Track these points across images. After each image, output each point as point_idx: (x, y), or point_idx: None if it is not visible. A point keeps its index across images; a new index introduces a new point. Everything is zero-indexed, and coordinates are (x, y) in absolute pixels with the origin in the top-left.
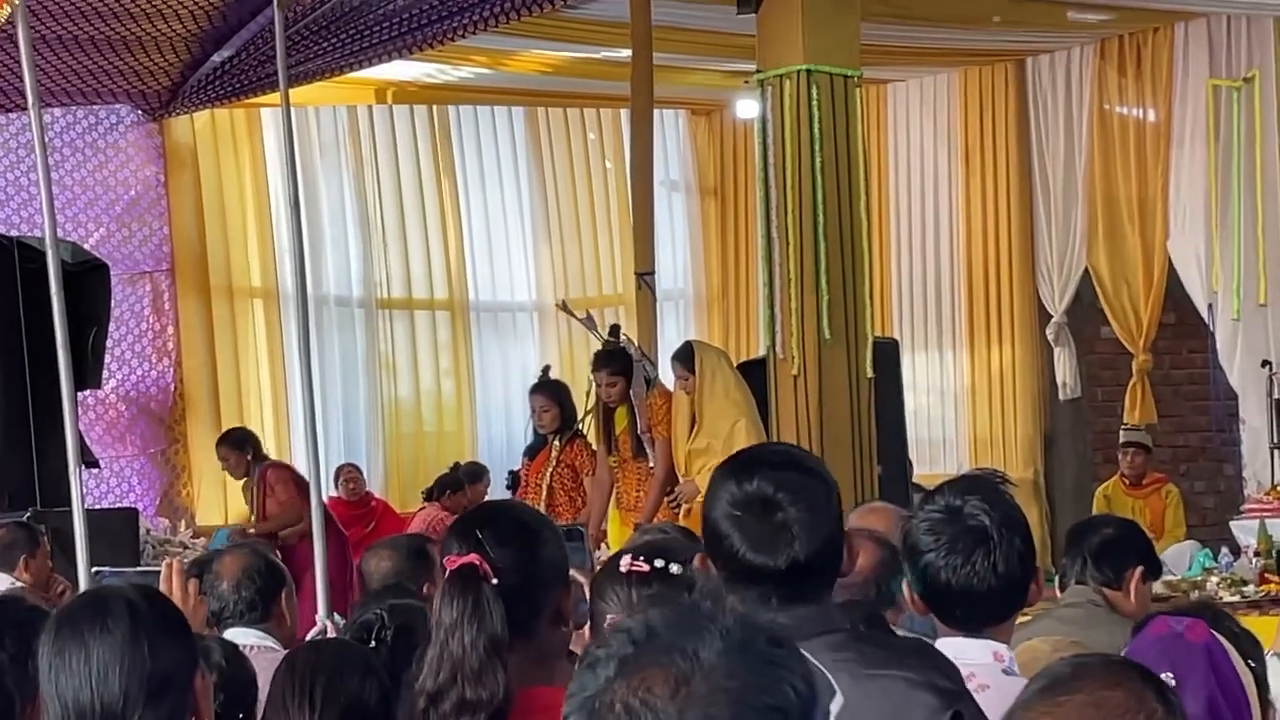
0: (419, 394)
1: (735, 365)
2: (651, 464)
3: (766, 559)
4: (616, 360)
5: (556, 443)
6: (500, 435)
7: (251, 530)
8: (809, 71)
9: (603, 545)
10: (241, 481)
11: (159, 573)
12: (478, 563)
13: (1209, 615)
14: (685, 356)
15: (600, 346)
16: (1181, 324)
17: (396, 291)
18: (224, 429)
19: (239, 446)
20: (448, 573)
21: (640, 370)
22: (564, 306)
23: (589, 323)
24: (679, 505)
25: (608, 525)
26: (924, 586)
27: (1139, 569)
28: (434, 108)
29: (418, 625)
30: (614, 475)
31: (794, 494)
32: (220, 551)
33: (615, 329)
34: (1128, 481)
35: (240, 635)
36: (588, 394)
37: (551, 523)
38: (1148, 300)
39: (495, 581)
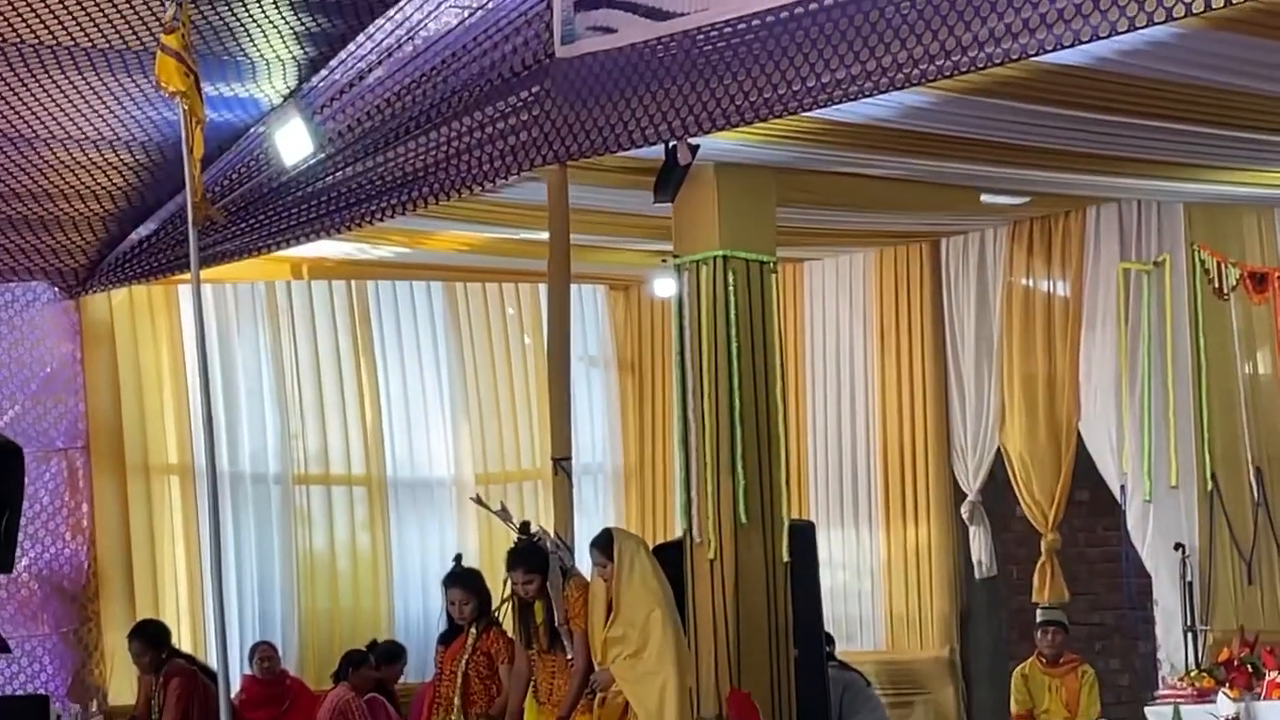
0: (335, 570)
1: (654, 547)
2: (569, 655)
3: None
4: (531, 558)
5: (473, 630)
6: (418, 612)
7: None
8: (725, 257)
9: None
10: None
11: None
12: None
13: None
14: (604, 544)
15: (515, 535)
16: (1095, 502)
17: (314, 467)
18: (138, 606)
19: (154, 645)
20: None
21: (556, 562)
22: (479, 500)
23: (504, 515)
24: (594, 694)
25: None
26: None
27: None
28: (351, 283)
29: None
30: (532, 667)
31: None
32: None
33: (525, 525)
34: (1045, 660)
35: None
36: (505, 582)
37: None
38: (1057, 480)
39: None
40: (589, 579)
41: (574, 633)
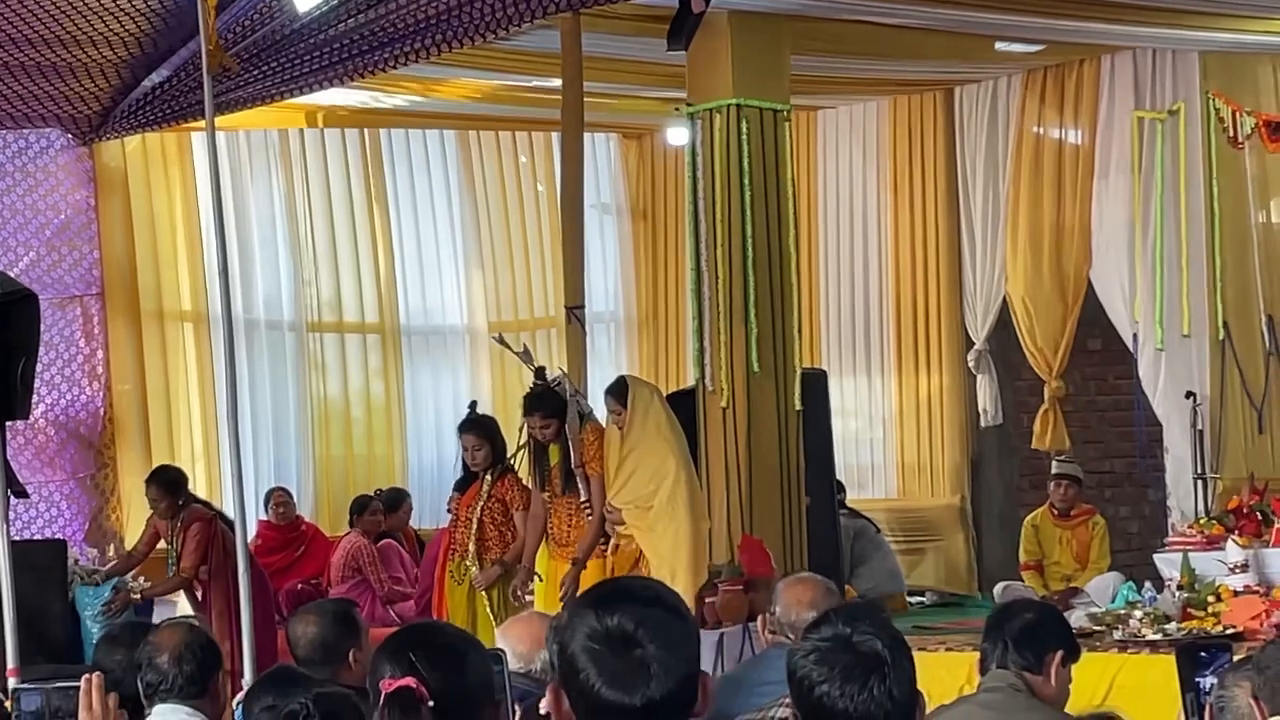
0: (349, 417)
1: (666, 395)
2: (583, 498)
3: (622, 696)
4: (548, 403)
5: (488, 477)
6: (431, 459)
7: (137, 595)
8: (739, 105)
9: (533, 580)
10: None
11: (79, 688)
12: (415, 686)
13: None
14: (619, 391)
15: (533, 379)
16: (1107, 350)
17: (327, 315)
18: (153, 451)
19: (171, 490)
20: (384, 695)
21: (574, 406)
22: (501, 339)
23: (525, 356)
24: (608, 541)
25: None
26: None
27: (1059, 653)
28: (365, 131)
29: (344, 714)
30: (546, 511)
31: (654, 631)
32: (158, 626)
33: (541, 371)
34: (1056, 512)
35: (170, 712)
36: (521, 429)
37: (478, 643)
38: (1062, 328)
39: (431, 704)
40: (605, 424)
41: (590, 477)
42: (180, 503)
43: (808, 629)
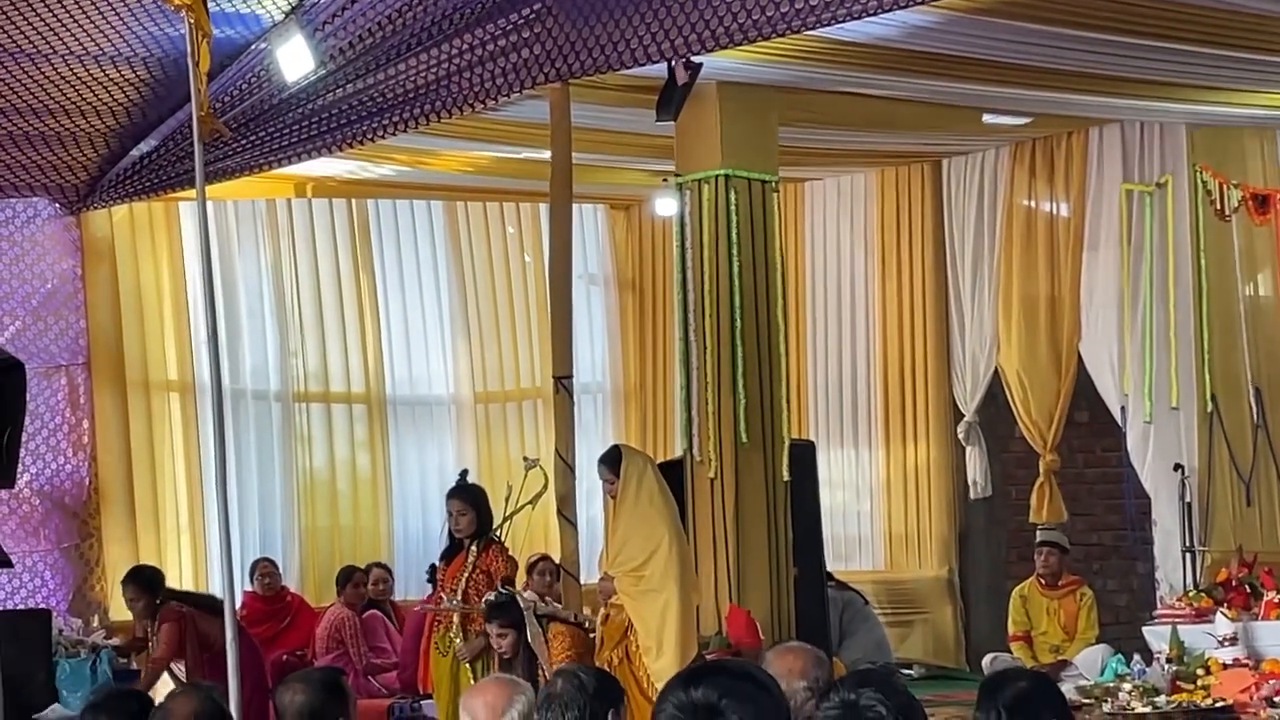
0: (335, 488)
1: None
2: None
3: None
4: (508, 612)
5: (473, 548)
6: (416, 529)
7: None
8: (727, 176)
9: None
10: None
11: None
12: None
13: None
14: (612, 460)
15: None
16: (1095, 422)
17: (314, 385)
18: (139, 522)
19: (150, 589)
20: None
21: (531, 615)
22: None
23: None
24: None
25: None
26: None
27: None
28: (352, 201)
29: None
30: None
31: (739, 702)
32: (173, 692)
33: (507, 580)
34: (1044, 582)
35: None
36: (506, 499)
37: None
38: (1056, 401)
39: None
40: (568, 626)
41: None
42: (158, 601)
43: (821, 697)
